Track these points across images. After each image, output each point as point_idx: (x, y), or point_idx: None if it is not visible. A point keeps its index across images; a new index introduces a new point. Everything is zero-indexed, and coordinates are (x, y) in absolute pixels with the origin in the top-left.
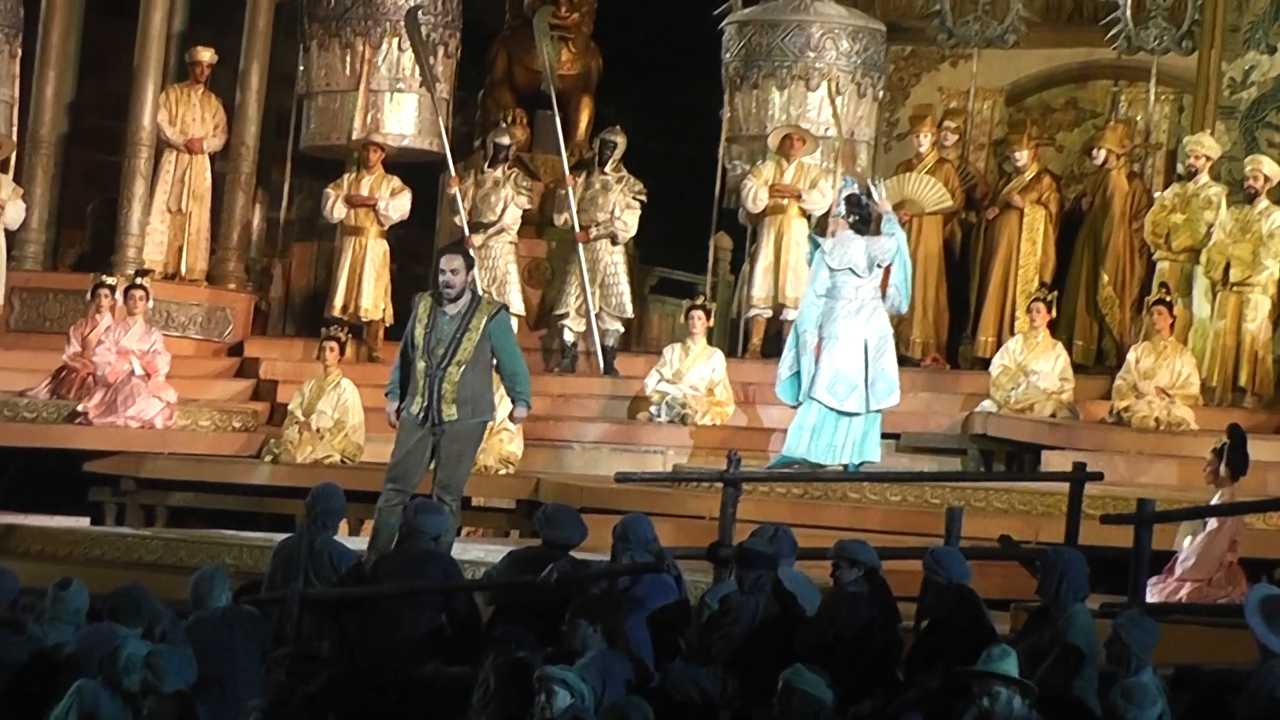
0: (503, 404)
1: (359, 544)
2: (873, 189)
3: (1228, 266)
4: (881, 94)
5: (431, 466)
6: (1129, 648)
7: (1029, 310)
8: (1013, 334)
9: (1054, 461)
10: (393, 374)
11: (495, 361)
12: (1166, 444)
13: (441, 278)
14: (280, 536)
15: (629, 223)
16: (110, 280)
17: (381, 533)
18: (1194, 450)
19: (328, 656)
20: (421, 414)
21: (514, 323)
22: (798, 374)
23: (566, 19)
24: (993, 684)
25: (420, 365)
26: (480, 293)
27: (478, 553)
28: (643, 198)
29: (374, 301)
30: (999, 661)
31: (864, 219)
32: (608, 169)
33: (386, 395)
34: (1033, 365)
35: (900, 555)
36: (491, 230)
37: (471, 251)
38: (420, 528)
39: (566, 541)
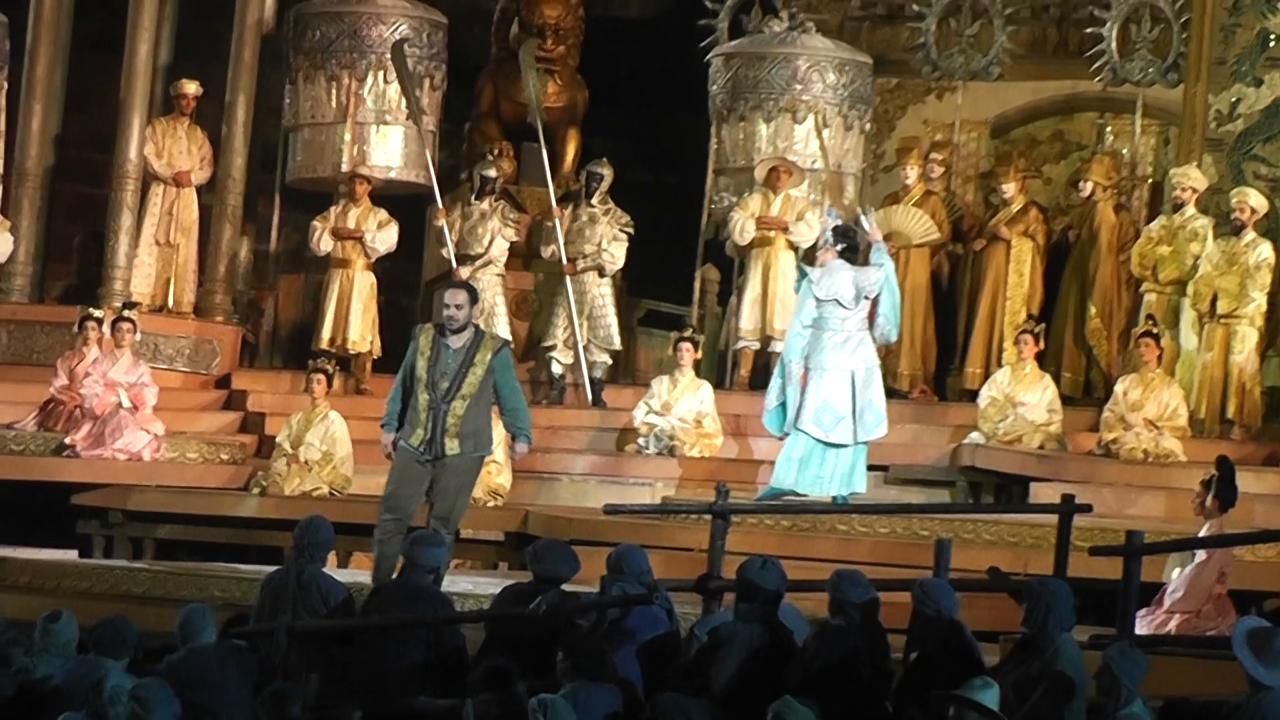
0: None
1: (347, 576)
2: (862, 218)
3: (1215, 299)
4: (868, 126)
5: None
6: (1119, 679)
7: (1016, 342)
8: (1000, 366)
9: (1042, 493)
10: (389, 405)
11: (495, 396)
12: (1155, 476)
13: (446, 311)
14: (269, 569)
15: (616, 255)
16: (97, 313)
17: (382, 564)
18: (1182, 482)
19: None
20: (423, 446)
21: None
22: (784, 404)
23: (552, 52)
24: (968, 712)
25: (423, 398)
26: (481, 327)
27: (466, 585)
28: (630, 230)
29: (361, 333)
30: (980, 692)
31: (852, 248)
32: (594, 201)
33: (383, 426)
34: (1020, 397)
35: (889, 587)
36: (479, 262)
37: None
38: (417, 560)
39: (556, 575)
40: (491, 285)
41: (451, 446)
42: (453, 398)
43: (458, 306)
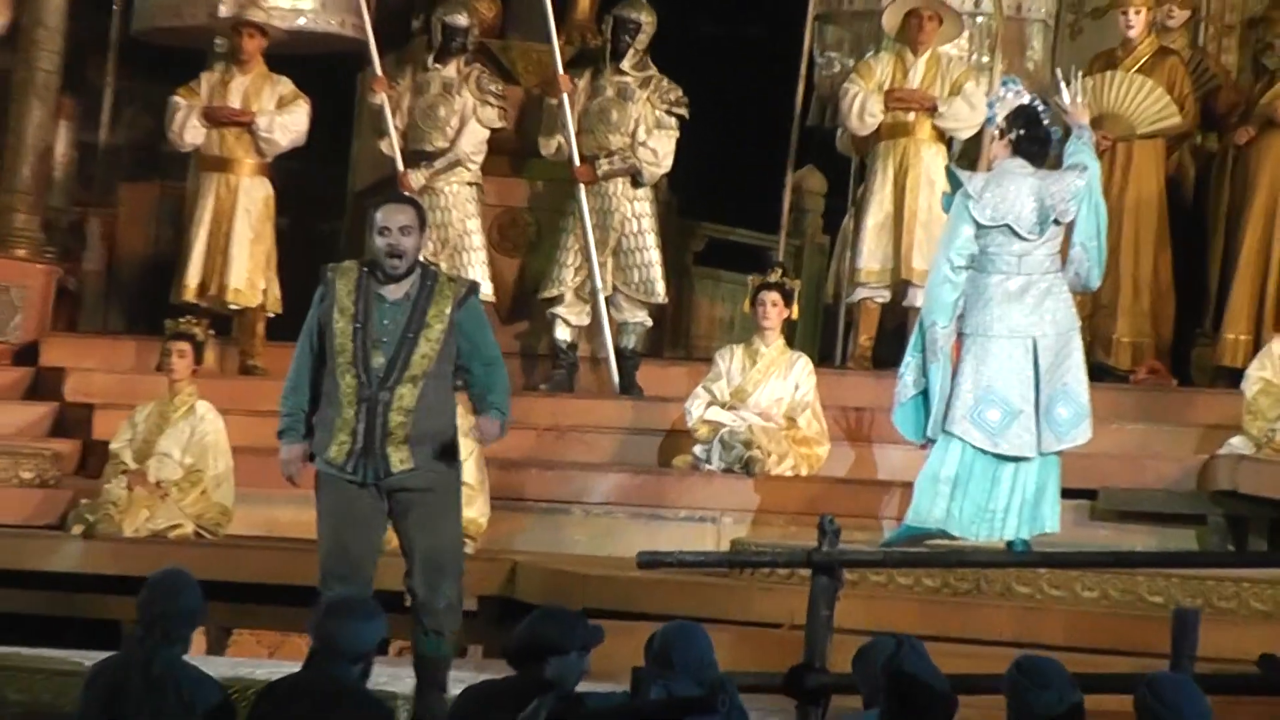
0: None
1: (225, 667)
2: (1063, 88)
3: None
4: None
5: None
6: None
7: None
8: (1279, 329)
9: None
10: (287, 399)
11: (459, 366)
12: None
13: (382, 240)
14: (100, 655)
15: (660, 152)
16: None
17: None
18: None
19: None
20: (352, 463)
21: None
22: (926, 393)
23: None
24: None
25: (346, 382)
26: (431, 264)
27: (414, 683)
28: (682, 112)
29: (249, 278)
30: None
31: (1038, 140)
32: (626, 67)
33: (281, 435)
34: None
35: (1098, 686)
36: (440, 163)
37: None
38: (335, 641)
39: (553, 643)
40: (461, 200)
41: (400, 459)
42: (396, 380)
43: (402, 230)
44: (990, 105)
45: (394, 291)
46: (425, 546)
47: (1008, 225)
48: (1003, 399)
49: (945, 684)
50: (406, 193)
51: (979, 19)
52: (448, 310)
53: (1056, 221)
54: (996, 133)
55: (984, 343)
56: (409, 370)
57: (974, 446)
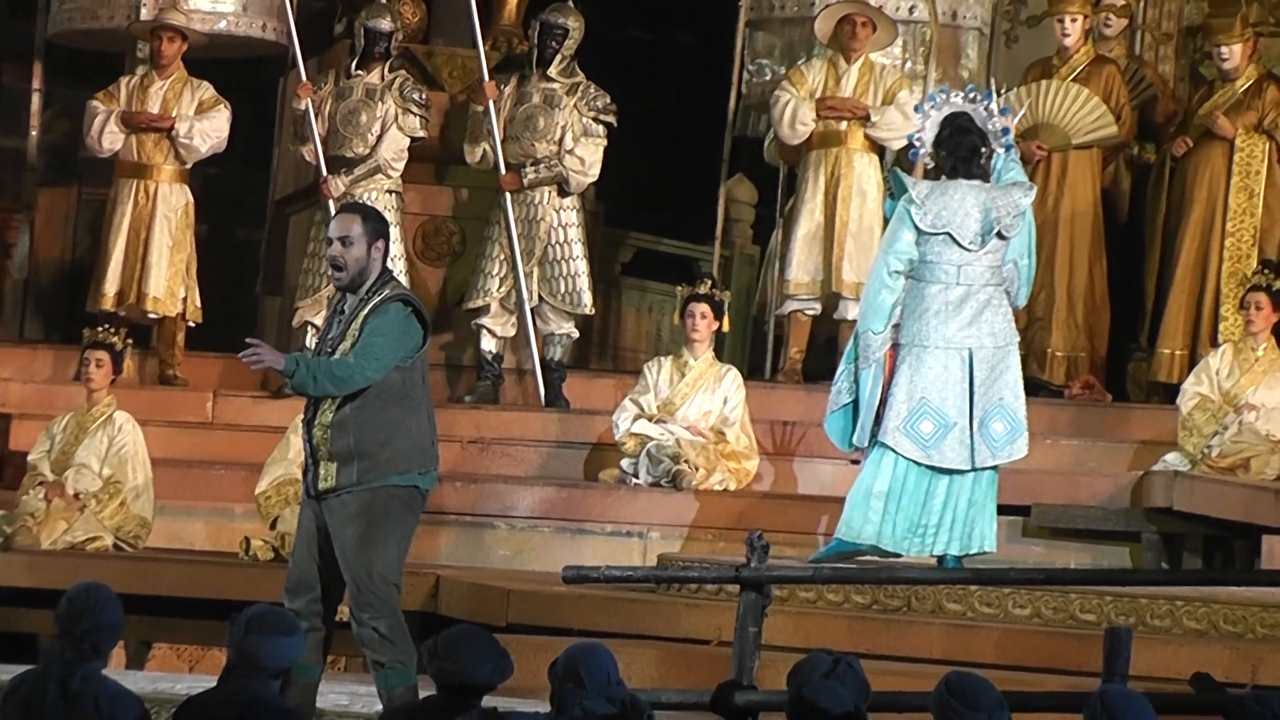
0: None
1: (145, 682)
2: (991, 95)
3: None
4: None
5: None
6: None
7: (1243, 305)
8: (1215, 344)
9: None
10: None
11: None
12: None
13: (328, 251)
14: (16, 670)
15: (588, 160)
16: None
17: (293, 685)
18: None
19: None
20: (304, 477)
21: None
22: (857, 402)
23: None
24: None
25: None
26: (391, 276)
27: (337, 697)
28: (610, 119)
29: (169, 287)
30: None
31: (968, 152)
32: (553, 72)
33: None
34: (1249, 396)
35: (1032, 705)
36: (360, 170)
37: (331, 204)
38: (255, 655)
39: (470, 681)
40: (382, 208)
41: (324, 474)
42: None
43: (343, 242)
44: (928, 109)
45: (350, 305)
46: (347, 576)
47: (948, 233)
48: (937, 411)
49: (849, 703)
50: (331, 200)
51: (913, 26)
52: (362, 314)
53: (1001, 235)
54: (929, 143)
55: (919, 353)
56: None
57: (906, 458)
